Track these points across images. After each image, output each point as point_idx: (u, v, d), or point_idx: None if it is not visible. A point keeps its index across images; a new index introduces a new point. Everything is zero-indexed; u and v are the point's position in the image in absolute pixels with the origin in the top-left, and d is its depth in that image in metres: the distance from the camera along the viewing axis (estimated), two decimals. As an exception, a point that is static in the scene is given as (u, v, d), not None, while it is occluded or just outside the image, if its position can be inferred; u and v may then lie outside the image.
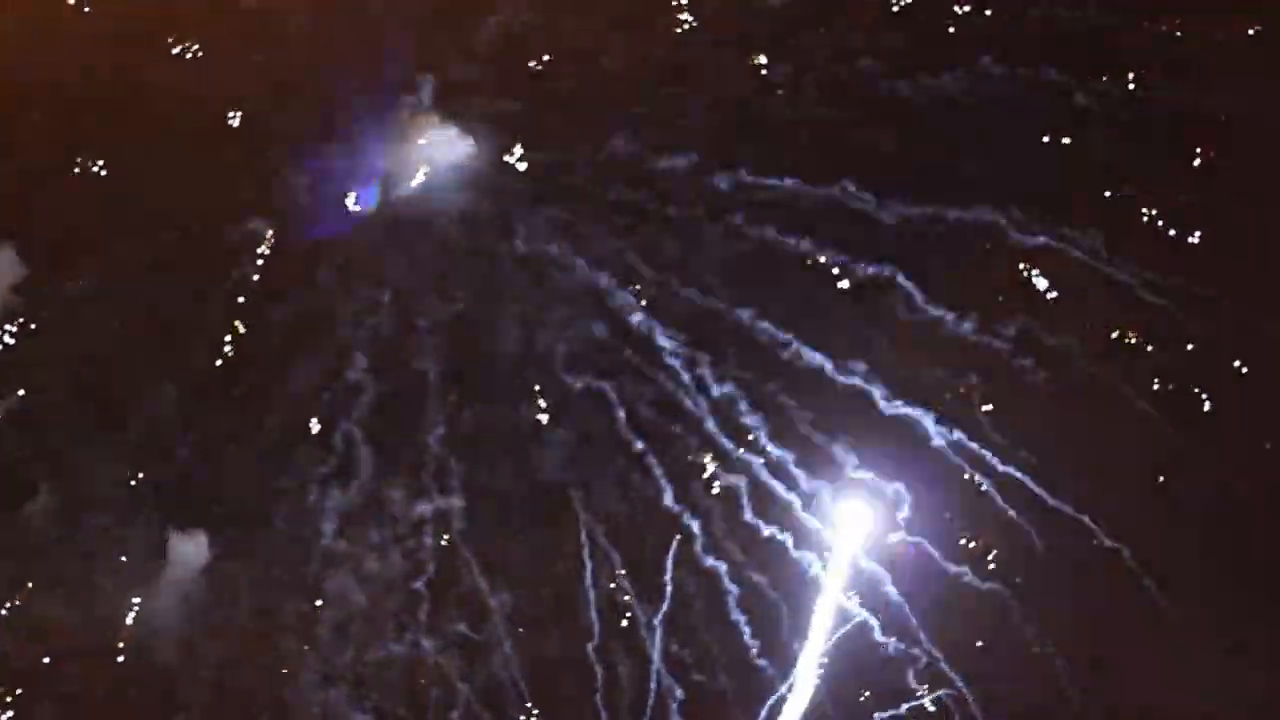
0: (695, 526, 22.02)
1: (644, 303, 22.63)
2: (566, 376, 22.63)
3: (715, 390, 22.27)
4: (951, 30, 22.98)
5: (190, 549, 22.54)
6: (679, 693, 21.94)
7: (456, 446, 22.39)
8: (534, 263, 23.20)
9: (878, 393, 22.59)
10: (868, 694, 22.27)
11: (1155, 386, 22.65)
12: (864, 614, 22.09)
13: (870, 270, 22.68)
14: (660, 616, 21.94)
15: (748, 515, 22.04)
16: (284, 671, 22.19)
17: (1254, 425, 22.51)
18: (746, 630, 21.95)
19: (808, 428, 22.49)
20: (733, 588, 21.85)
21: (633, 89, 23.22)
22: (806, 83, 22.78)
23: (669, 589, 21.93)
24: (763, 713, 21.76)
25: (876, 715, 22.18)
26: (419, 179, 23.25)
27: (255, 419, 22.97)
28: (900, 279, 22.75)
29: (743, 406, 22.14)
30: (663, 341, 22.51)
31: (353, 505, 22.38)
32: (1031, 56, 22.53)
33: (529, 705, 22.10)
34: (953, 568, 22.33)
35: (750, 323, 22.62)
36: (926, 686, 22.06)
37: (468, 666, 22.31)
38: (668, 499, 22.15)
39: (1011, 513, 22.22)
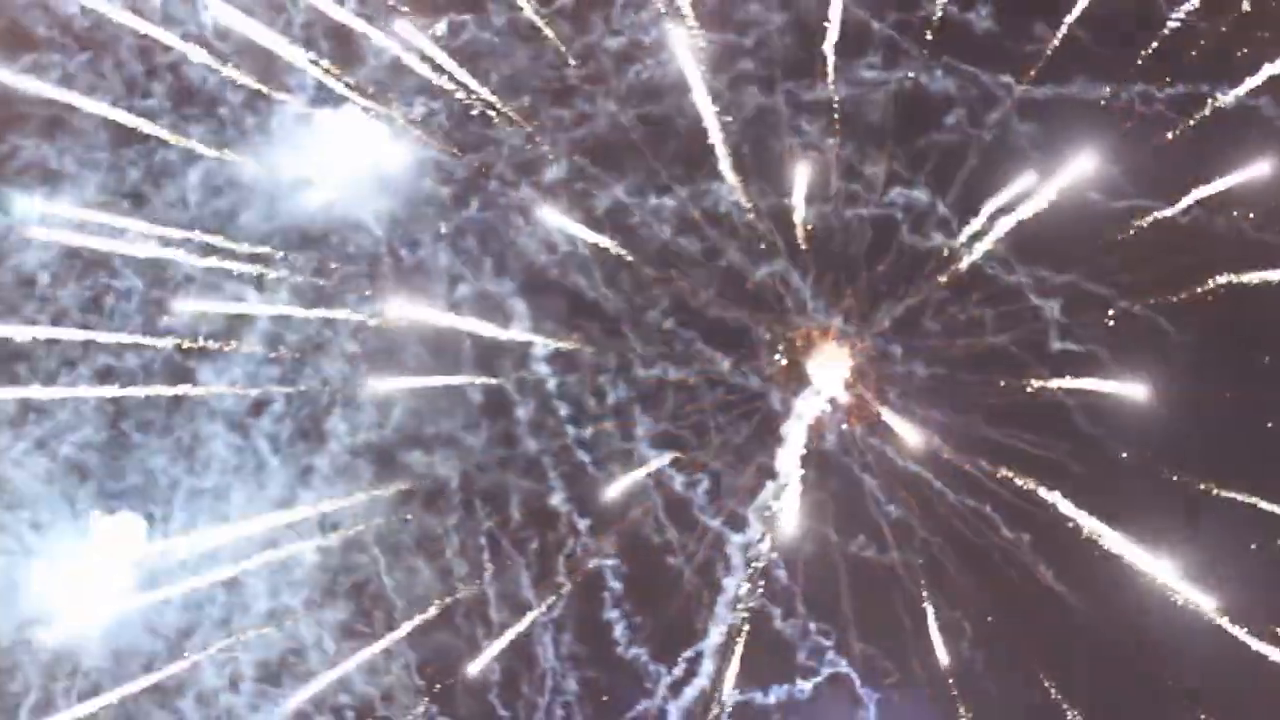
0: (585, 525, 22.81)
1: (550, 305, 23.19)
2: (472, 379, 23.20)
3: (613, 394, 22.99)
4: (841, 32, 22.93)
5: (119, 536, 23.13)
6: (573, 686, 22.92)
7: (365, 447, 23.11)
8: (451, 264, 23.67)
9: (776, 390, 23.30)
10: (766, 674, 23.18)
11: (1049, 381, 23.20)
12: (762, 599, 22.94)
13: (767, 270, 23.20)
14: (555, 614, 22.83)
15: (649, 511, 22.94)
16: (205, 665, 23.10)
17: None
18: (642, 622, 22.89)
19: (707, 424, 23.29)
20: (616, 585, 22.78)
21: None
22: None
23: (565, 587, 22.80)
24: (663, 696, 22.77)
25: (773, 691, 23.12)
26: (342, 181, 23.53)
27: (176, 416, 23.54)
28: (796, 278, 23.23)
29: (639, 408, 22.88)
30: (564, 344, 23.07)
31: (268, 502, 23.08)
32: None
33: (429, 702, 22.94)
34: (852, 549, 23.17)
35: (655, 322, 23.25)
36: (823, 663, 23.09)
37: (370, 664, 23.00)
38: (559, 499, 22.94)
39: (903, 509, 23.09)
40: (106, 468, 23.38)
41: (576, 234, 23.03)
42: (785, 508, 22.99)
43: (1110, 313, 23.07)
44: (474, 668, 22.27)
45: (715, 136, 22.45)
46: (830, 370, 23.39)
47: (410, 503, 23.05)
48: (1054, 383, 23.03)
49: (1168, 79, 22.74)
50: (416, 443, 23.16)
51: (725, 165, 22.62)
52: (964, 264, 23.04)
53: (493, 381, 22.98)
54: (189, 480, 23.37)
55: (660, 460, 22.88)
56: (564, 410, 22.96)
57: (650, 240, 23.11)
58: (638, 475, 22.71)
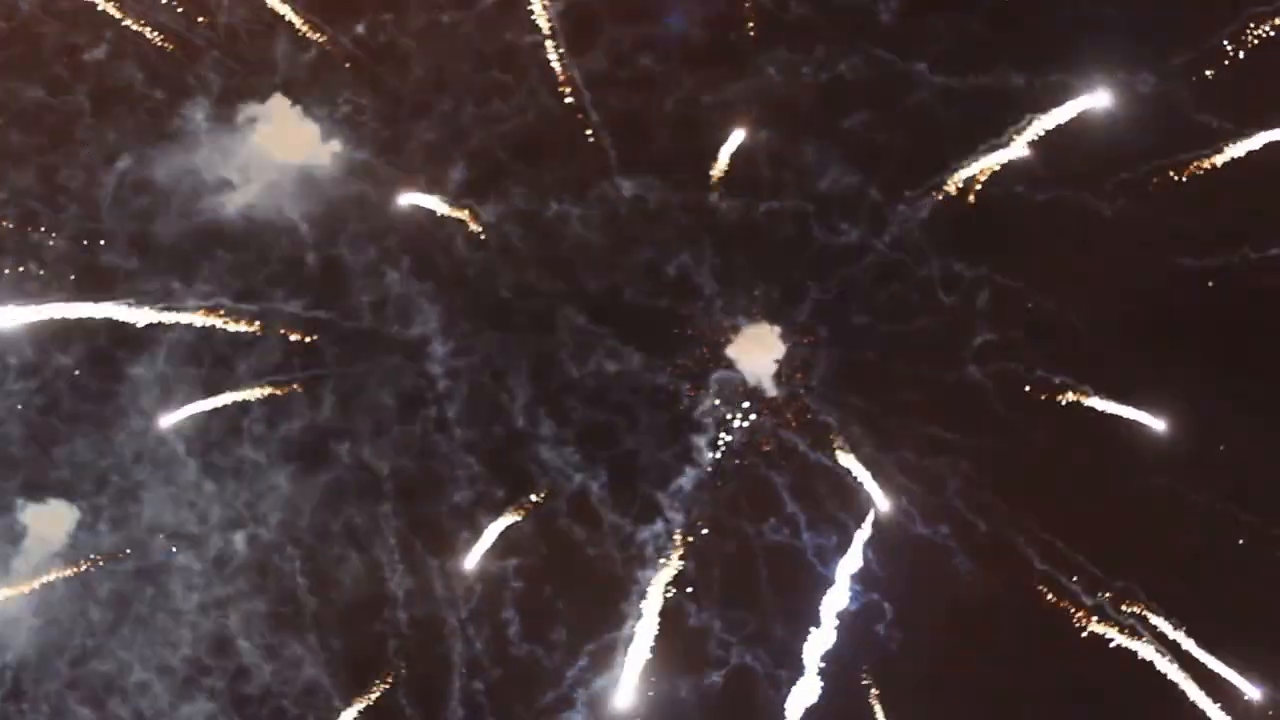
0: (496, 529, 23.00)
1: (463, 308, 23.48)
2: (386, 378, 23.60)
3: (521, 395, 23.27)
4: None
5: (48, 525, 23.50)
6: (479, 685, 23.16)
7: (275, 449, 23.49)
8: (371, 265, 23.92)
9: (685, 386, 23.50)
10: (677, 667, 23.35)
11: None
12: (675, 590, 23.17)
13: (675, 266, 23.34)
14: (466, 613, 23.09)
15: (557, 513, 23.28)
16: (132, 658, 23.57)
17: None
18: (552, 620, 23.21)
19: (623, 417, 23.48)
20: (519, 584, 23.13)
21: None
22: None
23: (477, 589, 23.09)
24: (571, 687, 23.22)
25: (684, 684, 23.41)
26: (264, 182, 23.68)
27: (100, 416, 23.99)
28: (718, 270, 23.40)
29: (546, 407, 23.12)
30: (477, 343, 23.42)
31: (180, 499, 23.61)
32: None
33: (337, 699, 23.24)
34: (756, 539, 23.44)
35: (570, 321, 23.44)
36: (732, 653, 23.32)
37: (284, 663, 23.43)
38: (466, 498, 23.22)
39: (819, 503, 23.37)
40: (35, 460, 23.74)
41: (486, 231, 23.31)
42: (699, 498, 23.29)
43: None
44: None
45: (599, 129, 22.83)
46: (755, 360, 23.49)
47: (343, 499, 23.51)
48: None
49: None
50: (343, 436, 23.58)
51: (615, 159, 23.03)
52: (888, 252, 23.18)
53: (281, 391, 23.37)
54: (117, 475, 23.80)
55: (561, 459, 23.20)
56: (463, 411, 23.27)
57: (567, 237, 23.31)
58: (487, 542, 23.02)
